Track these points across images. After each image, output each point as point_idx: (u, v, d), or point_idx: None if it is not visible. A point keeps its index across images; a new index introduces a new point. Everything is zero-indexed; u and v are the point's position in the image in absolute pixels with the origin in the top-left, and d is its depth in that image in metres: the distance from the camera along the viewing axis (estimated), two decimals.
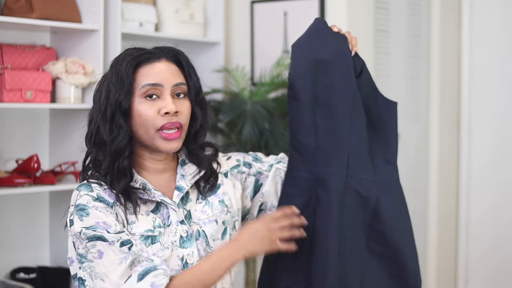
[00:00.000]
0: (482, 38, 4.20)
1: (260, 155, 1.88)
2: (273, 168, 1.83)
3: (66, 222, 1.61)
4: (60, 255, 3.08)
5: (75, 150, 2.98)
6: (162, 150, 1.62)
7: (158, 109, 1.60)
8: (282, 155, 1.89)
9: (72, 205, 1.58)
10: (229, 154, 1.83)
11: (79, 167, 2.96)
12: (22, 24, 2.77)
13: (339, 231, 1.69)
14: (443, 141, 4.18)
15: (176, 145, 1.62)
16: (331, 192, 1.70)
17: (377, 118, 1.77)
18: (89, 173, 1.64)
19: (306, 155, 1.75)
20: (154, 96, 1.60)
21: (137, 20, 3.18)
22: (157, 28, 3.33)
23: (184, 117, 1.63)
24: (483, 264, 4.23)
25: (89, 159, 1.65)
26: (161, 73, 1.61)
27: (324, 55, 1.74)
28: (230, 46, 3.71)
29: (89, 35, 2.94)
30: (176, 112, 1.60)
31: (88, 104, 2.95)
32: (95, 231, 1.53)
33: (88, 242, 1.53)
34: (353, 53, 1.76)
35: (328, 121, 1.73)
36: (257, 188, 1.82)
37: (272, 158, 1.87)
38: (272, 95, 3.47)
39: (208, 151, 1.75)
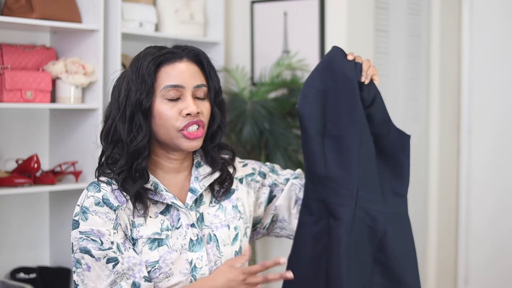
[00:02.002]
0: (482, 38, 4.21)
1: (277, 167, 1.87)
2: (289, 182, 1.82)
3: (73, 221, 1.61)
4: (60, 255, 3.08)
5: (75, 150, 2.99)
6: (184, 148, 1.61)
7: (179, 110, 1.59)
8: (299, 171, 1.88)
9: (78, 205, 1.59)
10: (246, 161, 1.82)
11: (79, 167, 2.96)
12: (22, 24, 2.77)
13: (348, 262, 1.68)
14: (443, 141, 4.19)
15: (197, 143, 1.62)
16: (341, 223, 1.69)
17: (389, 148, 1.75)
18: (104, 170, 1.64)
19: (318, 185, 1.73)
20: (175, 97, 1.59)
21: (137, 20, 3.18)
22: (157, 28, 3.33)
23: (204, 117, 1.62)
24: (483, 265, 4.23)
25: (104, 156, 1.65)
26: (182, 74, 1.60)
27: (332, 84, 1.71)
28: (230, 46, 3.71)
29: (89, 35, 2.94)
30: (198, 113, 1.60)
31: (88, 104, 2.95)
32: (87, 241, 1.54)
33: (80, 252, 1.55)
34: (366, 81, 1.73)
35: (336, 152, 1.71)
36: (270, 198, 1.81)
37: (289, 172, 1.86)
38: (272, 95, 3.48)
39: (225, 154, 1.75)
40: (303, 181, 1.82)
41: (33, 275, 2.97)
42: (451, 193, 4.27)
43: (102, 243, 1.54)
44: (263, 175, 1.81)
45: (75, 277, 1.57)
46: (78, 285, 1.56)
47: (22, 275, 2.96)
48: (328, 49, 3.40)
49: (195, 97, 1.62)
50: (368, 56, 3.55)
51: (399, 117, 3.96)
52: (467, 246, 4.28)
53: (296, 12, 3.48)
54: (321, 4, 3.40)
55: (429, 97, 4.14)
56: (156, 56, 1.60)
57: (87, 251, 1.54)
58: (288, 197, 1.81)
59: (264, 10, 3.58)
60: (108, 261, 1.53)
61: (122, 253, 1.55)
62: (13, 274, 2.97)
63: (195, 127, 1.60)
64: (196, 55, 1.64)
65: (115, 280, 1.53)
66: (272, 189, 1.81)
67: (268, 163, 1.87)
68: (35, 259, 3.09)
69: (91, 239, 1.54)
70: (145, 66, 1.58)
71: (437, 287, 4.19)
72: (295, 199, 1.82)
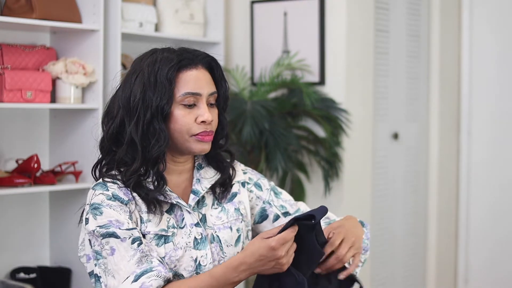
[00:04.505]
0: (482, 38, 4.21)
1: (280, 189, 1.86)
2: (289, 218, 1.79)
3: (81, 219, 1.63)
4: (60, 255, 3.08)
5: (75, 150, 2.98)
6: (196, 152, 1.65)
7: (195, 116, 1.63)
8: (304, 207, 1.85)
9: (87, 204, 1.61)
10: (247, 170, 1.84)
11: (79, 167, 2.96)
12: (22, 24, 2.77)
13: None
14: (443, 141, 4.19)
15: (208, 146, 1.66)
16: None
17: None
18: (103, 170, 1.66)
19: None
20: (192, 104, 1.63)
21: (137, 20, 3.18)
22: (157, 28, 3.33)
23: (214, 124, 1.67)
24: (483, 264, 4.23)
25: (105, 158, 1.66)
26: (199, 81, 1.64)
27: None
28: (230, 46, 3.71)
29: (89, 35, 2.94)
30: (212, 120, 1.64)
31: (88, 104, 2.95)
32: (108, 229, 1.55)
33: (102, 239, 1.56)
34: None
35: None
36: (262, 216, 1.81)
37: (289, 200, 1.84)
38: (272, 95, 3.48)
39: (226, 157, 1.77)
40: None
41: (33, 275, 2.97)
42: (451, 193, 4.28)
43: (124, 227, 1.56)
44: (259, 187, 1.81)
45: (96, 270, 1.57)
46: (100, 277, 1.56)
47: (22, 275, 2.96)
48: (328, 48, 3.41)
49: (208, 104, 1.66)
50: (368, 56, 3.56)
51: (399, 117, 3.96)
52: (467, 246, 4.28)
53: (296, 12, 3.48)
54: (321, 4, 3.40)
55: (429, 97, 4.14)
56: (176, 63, 1.62)
57: (111, 234, 1.55)
58: None
59: (264, 10, 3.57)
60: (133, 241, 1.55)
61: (143, 237, 1.59)
62: (13, 274, 2.97)
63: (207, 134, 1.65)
64: (209, 62, 1.68)
65: (140, 258, 1.54)
66: (265, 207, 1.81)
67: (272, 182, 1.86)
68: (35, 259, 3.08)
69: (112, 228, 1.56)
70: (165, 72, 1.60)
71: (437, 287, 4.19)
72: None
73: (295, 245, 1.54)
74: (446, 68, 4.17)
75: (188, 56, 1.65)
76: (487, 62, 4.20)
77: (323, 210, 1.58)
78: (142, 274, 1.52)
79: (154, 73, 1.60)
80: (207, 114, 1.62)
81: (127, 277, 1.53)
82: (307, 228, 1.56)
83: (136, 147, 1.60)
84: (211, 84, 1.66)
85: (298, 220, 1.54)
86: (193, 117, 1.62)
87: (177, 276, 1.62)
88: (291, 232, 1.52)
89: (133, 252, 1.54)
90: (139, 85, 1.61)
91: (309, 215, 1.55)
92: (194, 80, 1.63)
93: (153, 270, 1.53)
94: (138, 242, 1.56)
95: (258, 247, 1.51)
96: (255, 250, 1.52)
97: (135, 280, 1.52)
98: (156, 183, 1.62)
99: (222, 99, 1.70)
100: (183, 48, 1.68)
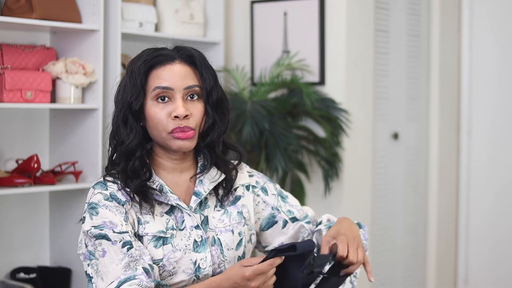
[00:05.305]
0: (482, 38, 4.21)
1: (285, 192, 1.84)
2: (299, 224, 1.79)
3: (81, 217, 1.63)
4: (60, 255, 3.08)
5: (75, 150, 2.99)
6: (175, 149, 1.63)
7: (169, 112, 1.60)
8: (311, 213, 1.84)
9: (86, 203, 1.61)
10: (254, 173, 1.81)
11: (79, 167, 2.96)
12: (22, 24, 2.77)
13: None
14: (443, 141, 4.19)
15: (188, 144, 1.62)
16: None
17: None
18: (109, 170, 1.67)
19: None
20: (166, 99, 1.61)
21: (137, 20, 3.18)
22: (157, 28, 3.33)
23: (195, 119, 1.62)
24: (483, 265, 4.23)
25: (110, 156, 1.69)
26: (173, 76, 1.61)
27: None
28: (230, 46, 3.71)
29: (89, 35, 2.94)
30: (187, 115, 1.60)
31: (88, 104, 2.96)
32: (101, 230, 1.55)
33: (95, 240, 1.56)
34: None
35: None
36: (270, 222, 1.79)
37: (296, 206, 1.82)
38: (272, 95, 3.47)
39: (233, 157, 1.75)
40: (314, 227, 1.79)
41: (33, 275, 2.97)
42: (451, 193, 4.27)
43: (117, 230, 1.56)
44: (265, 192, 1.80)
45: (88, 270, 1.57)
46: (92, 277, 1.56)
47: (22, 275, 2.96)
48: (328, 48, 3.41)
49: (188, 99, 1.62)
50: (368, 56, 3.56)
51: (399, 117, 3.96)
52: (467, 246, 4.28)
53: (296, 12, 3.48)
54: (321, 4, 3.40)
55: (429, 97, 4.14)
56: (148, 59, 1.62)
57: (103, 236, 1.55)
58: (294, 238, 1.79)
59: (264, 10, 3.57)
60: (123, 245, 1.55)
61: (135, 241, 1.57)
62: (13, 274, 2.97)
63: (184, 130, 1.61)
64: (189, 56, 1.65)
65: (128, 263, 1.53)
66: (274, 213, 1.79)
67: (278, 185, 1.84)
68: (35, 259, 3.08)
69: (105, 230, 1.55)
70: (137, 69, 1.61)
71: (437, 287, 4.19)
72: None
73: (274, 278, 1.51)
74: (446, 68, 4.17)
75: (165, 53, 1.64)
76: (487, 62, 4.20)
77: (310, 245, 1.54)
78: (125, 281, 1.51)
79: (130, 71, 1.63)
80: (181, 109, 1.59)
81: (112, 282, 1.52)
82: (293, 261, 1.52)
83: (121, 146, 1.63)
84: (189, 78, 1.63)
85: (279, 252, 1.50)
86: (166, 113, 1.60)
87: (164, 284, 1.60)
88: (269, 265, 1.48)
89: (122, 256, 1.54)
90: (121, 85, 1.65)
91: (291, 246, 1.50)
92: (166, 75, 1.61)
93: (136, 278, 1.52)
94: (128, 246, 1.55)
95: (234, 274, 1.50)
96: (231, 276, 1.51)
97: (118, 286, 1.51)
98: (135, 175, 1.61)
99: (205, 92, 1.64)
100: (176, 46, 1.68)
